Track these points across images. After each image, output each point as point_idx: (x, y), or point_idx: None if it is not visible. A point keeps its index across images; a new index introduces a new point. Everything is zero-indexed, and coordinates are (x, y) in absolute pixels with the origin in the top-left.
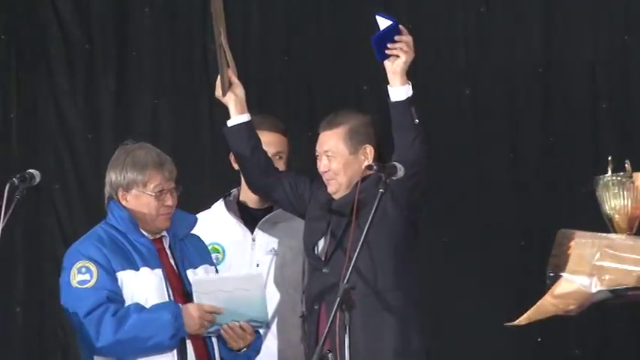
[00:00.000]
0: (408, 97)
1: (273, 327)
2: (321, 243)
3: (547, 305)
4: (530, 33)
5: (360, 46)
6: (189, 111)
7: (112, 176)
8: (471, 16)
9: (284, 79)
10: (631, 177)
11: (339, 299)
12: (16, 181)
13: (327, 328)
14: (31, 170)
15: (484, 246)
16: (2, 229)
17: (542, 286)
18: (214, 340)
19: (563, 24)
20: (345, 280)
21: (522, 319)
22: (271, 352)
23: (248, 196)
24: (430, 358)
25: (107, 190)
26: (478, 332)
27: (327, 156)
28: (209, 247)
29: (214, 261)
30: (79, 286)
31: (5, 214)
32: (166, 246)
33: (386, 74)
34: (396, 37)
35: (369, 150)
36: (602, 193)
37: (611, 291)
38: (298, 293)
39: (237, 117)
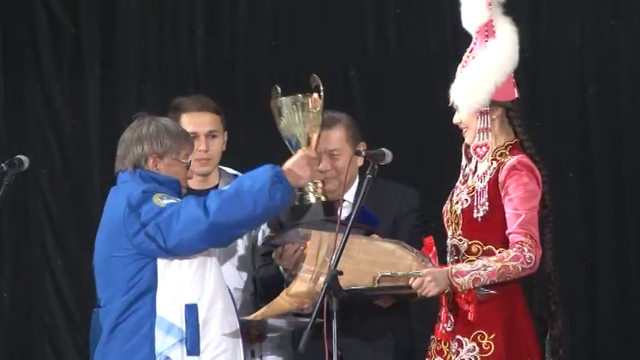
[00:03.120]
0: None
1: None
2: None
3: (282, 303)
4: (517, 18)
5: (347, 32)
6: (175, 96)
7: (145, 146)
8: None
9: (271, 66)
10: (306, 101)
11: (326, 284)
12: (4, 167)
13: (314, 314)
14: (19, 156)
15: None
16: None
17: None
18: None
19: (549, 8)
20: (334, 266)
21: (257, 315)
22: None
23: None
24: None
25: (130, 160)
26: None
27: (332, 155)
28: None
29: None
30: (172, 202)
31: None
32: None
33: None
34: None
35: (362, 146)
36: (276, 114)
37: (347, 291)
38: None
39: None
